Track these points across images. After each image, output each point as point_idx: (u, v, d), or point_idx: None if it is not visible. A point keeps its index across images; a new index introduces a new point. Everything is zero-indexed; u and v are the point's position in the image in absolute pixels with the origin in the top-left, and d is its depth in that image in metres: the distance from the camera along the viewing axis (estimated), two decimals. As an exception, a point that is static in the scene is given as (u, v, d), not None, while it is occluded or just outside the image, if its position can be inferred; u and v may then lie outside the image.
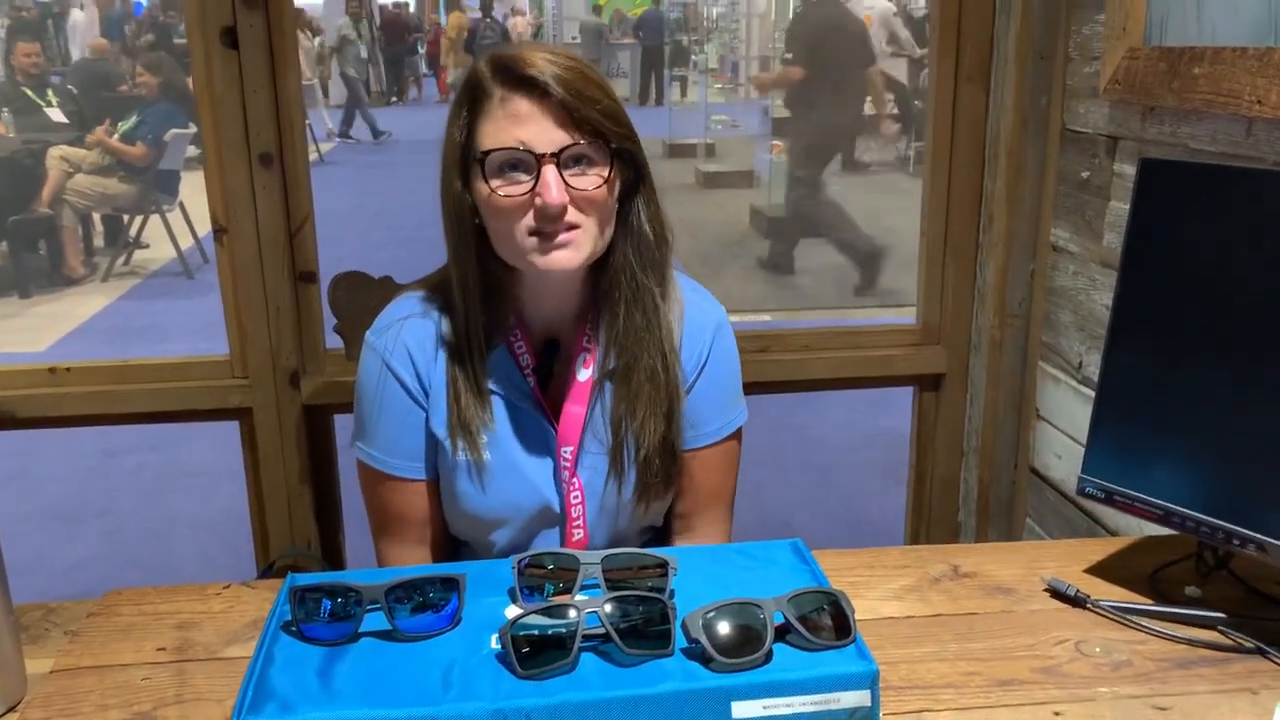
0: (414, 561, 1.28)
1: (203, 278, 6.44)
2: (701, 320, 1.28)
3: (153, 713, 0.95)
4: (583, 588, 1.01)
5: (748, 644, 0.90)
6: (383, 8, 16.96)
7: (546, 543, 1.27)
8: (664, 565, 1.01)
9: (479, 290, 1.19)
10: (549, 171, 1.11)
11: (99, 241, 7.09)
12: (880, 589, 1.15)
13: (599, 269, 1.21)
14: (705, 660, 0.90)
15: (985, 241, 1.92)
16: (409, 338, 1.24)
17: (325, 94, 13.25)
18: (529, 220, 1.13)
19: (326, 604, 0.96)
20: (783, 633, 0.93)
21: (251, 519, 1.94)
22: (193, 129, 6.39)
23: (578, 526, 1.25)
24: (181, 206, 6.73)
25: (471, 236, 1.18)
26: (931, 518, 2.09)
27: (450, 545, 1.33)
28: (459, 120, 1.16)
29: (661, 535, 1.37)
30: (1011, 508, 1.97)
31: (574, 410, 1.23)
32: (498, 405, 1.23)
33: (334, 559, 1.97)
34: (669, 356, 1.22)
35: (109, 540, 3.32)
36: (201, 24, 1.68)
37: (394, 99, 16.38)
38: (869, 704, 0.89)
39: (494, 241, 1.17)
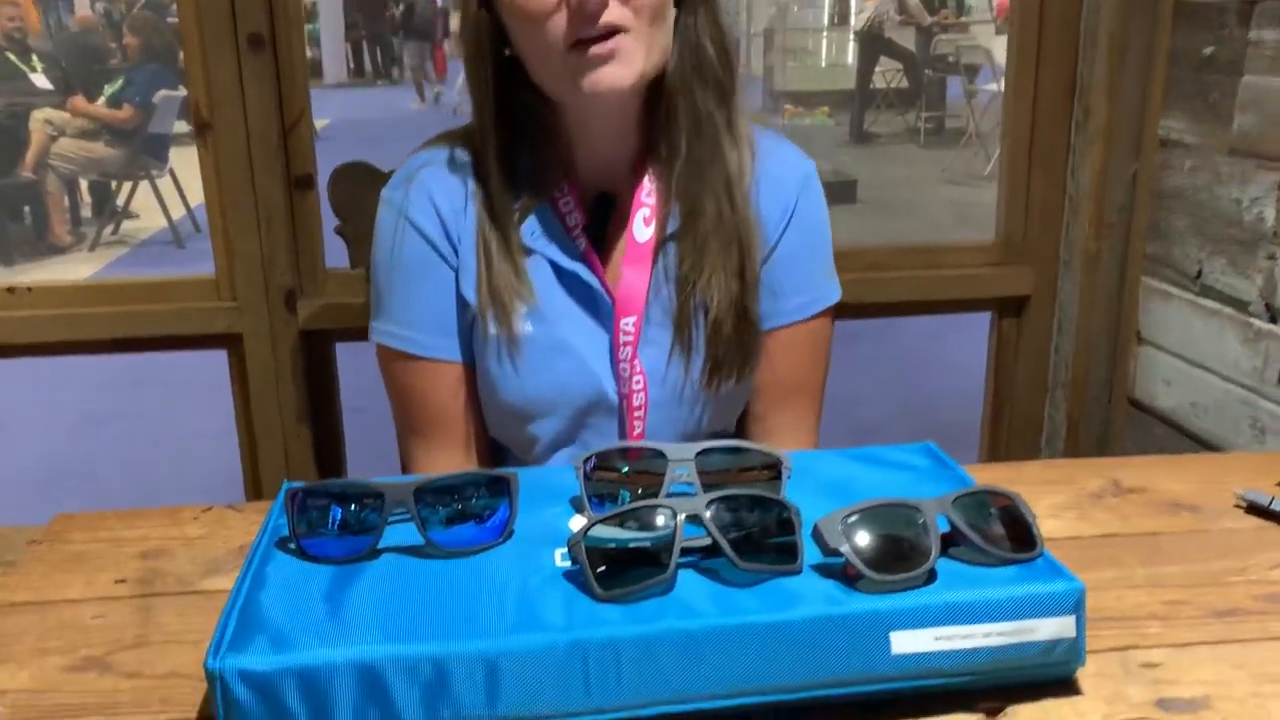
0: (449, 468, 1.04)
1: (194, 246, 6.16)
2: (783, 172, 1.05)
3: (105, 658, 0.72)
4: (669, 495, 0.77)
5: (906, 557, 0.67)
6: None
7: (600, 438, 1.03)
8: (776, 465, 0.78)
9: (497, 136, 0.98)
10: None
11: (86, 212, 6.82)
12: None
13: (654, 97, 0.98)
14: (850, 578, 0.66)
15: (1079, 142, 1.67)
16: (432, 183, 1.01)
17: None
18: (564, 28, 0.90)
19: (336, 511, 0.72)
20: (947, 543, 0.69)
21: (243, 466, 1.70)
22: (182, 91, 6.11)
23: (639, 419, 1.01)
24: (172, 173, 6.45)
25: (491, 68, 0.96)
26: (1008, 462, 1.85)
27: (493, 453, 1.10)
28: None
29: None
30: (1105, 446, 1.74)
31: (634, 274, 1.00)
32: (540, 269, 1.01)
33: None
34: (737, 199, 0.99)
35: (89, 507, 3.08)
36: (178, -124, 1.44)
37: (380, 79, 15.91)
38: (1073, 634, 0.66)
39: (529, 67, 0.95)
